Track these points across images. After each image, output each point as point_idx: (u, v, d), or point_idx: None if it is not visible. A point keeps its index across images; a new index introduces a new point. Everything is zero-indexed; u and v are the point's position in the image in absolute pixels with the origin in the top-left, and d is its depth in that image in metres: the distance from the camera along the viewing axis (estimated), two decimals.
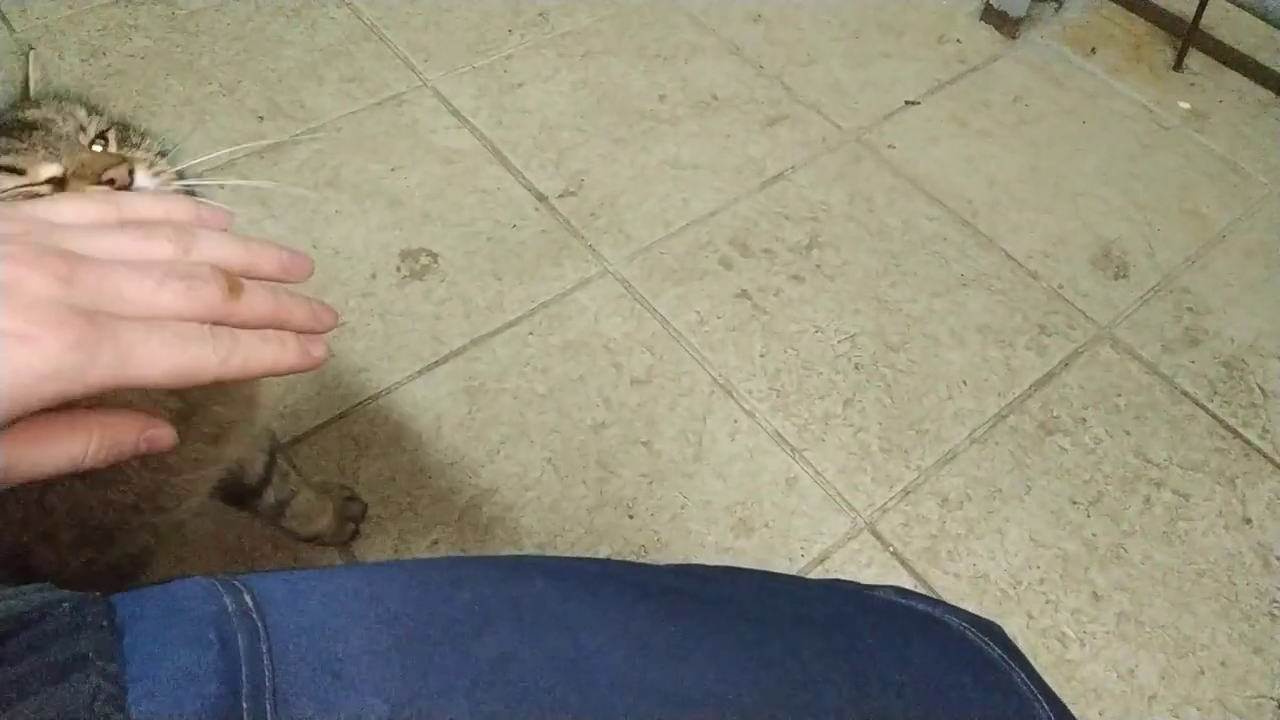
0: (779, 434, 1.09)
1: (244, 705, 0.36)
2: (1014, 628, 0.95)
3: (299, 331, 0.48)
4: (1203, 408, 1.16)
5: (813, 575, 0.98)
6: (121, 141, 0.55)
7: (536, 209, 1.29)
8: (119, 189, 0.49)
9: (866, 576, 0.99)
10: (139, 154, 0.53)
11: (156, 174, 0.51)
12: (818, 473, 1.07)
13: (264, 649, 0.38)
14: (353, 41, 1.49)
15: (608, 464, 1.05)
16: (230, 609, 0.39)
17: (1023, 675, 0.50)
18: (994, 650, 0.51)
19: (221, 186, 0.57)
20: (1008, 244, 1.32)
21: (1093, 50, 1.64)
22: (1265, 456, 1.12)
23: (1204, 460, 1.11)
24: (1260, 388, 1.19)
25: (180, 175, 0.55)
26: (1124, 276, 1.30)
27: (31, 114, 0.54)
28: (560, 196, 1.31)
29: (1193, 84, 1.59)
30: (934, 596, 0.75)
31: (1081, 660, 0.96)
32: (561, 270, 1.23)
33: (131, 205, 0.42)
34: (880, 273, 1.27)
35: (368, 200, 1.27)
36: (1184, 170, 1.45)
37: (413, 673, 0.39)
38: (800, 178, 1.38)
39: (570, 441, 1.07)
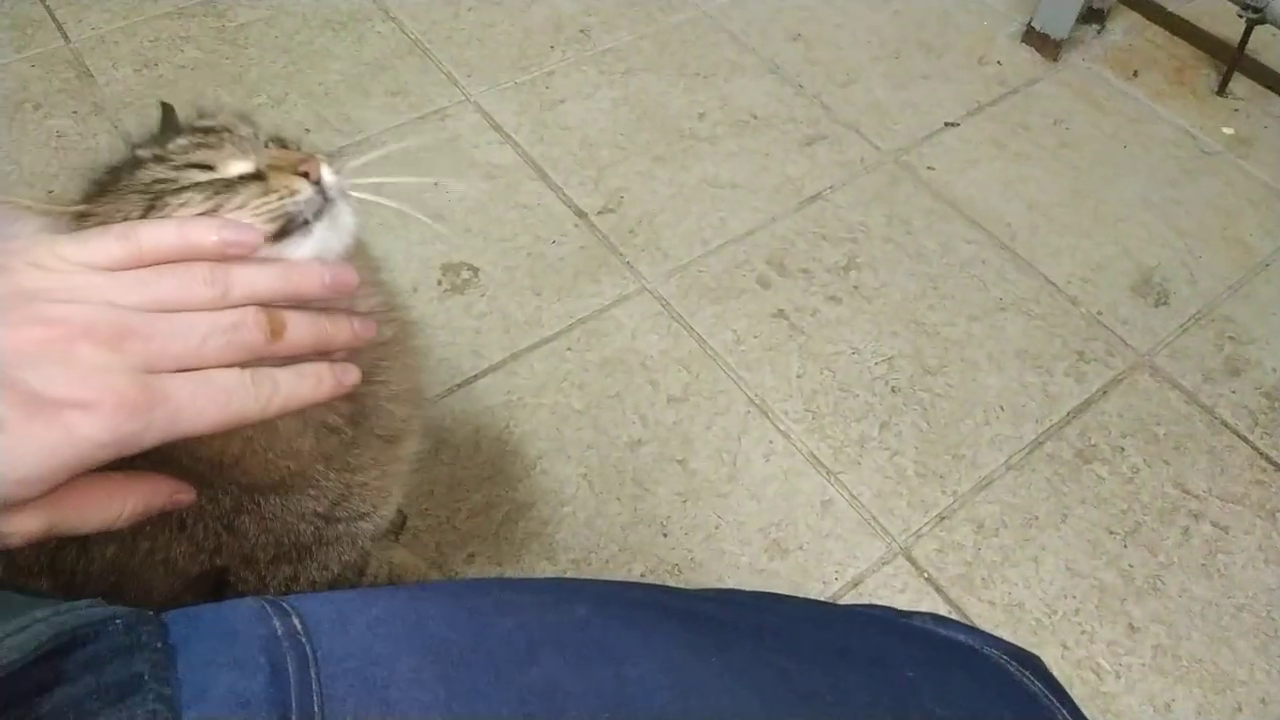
0: (814, 456, 1.09)
1: None
2: (1049, 658, 0.94)
3: (344, 349, 0.49)
4: (1243, 439, 1.15)
5: (846, 599, 0.98)
6: (283, 147, 0.56)
7: (576, 225, 1.30)
8: (312, 182, 0.50)
9: (900, 602, 0.98)
10: (320, 153, 0.54)
11: (336, 171, 0.53)
12: (853, 496, 1.07)
13: (313, 675, 0.38)
14: (398, 56, 1.51)
15: (643, 481, 1.06)
16: (279, 632, 0.40)
17: (1064, 711, 0.50)
18: (1034, 683, 0.51)
19: (379, 187, 0.58)
20: (1047, 268, 1.31)
21: (1135, 73, 1.62)
22: None
23: (1244, 493, 1.10)
24: None
25: None
26: (1165, 304, 1.29)
27: (209, 121, 0.56)
28: (599, 213, 1.32)
29: (1237, 109, 1.58)
30: (970, 624, 0.75)
31: (1117, 693, 0.95)
32: (600, 287, 1.23)
33: (151, 238, 0.43)
34: (918, 295, 1.26)
35: (410, 214, 1.28)
36: (1227, 196, 1.44)
37: (457, 702, 0.39)
38: (838, 198, 1.38)
39: (606, 458, 1.07)
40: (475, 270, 1.24)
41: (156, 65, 1.45)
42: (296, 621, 0.41)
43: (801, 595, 0.97)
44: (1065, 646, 0.98)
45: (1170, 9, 1.71)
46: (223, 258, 0.44)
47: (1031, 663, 0.53)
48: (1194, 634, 0.99)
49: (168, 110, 0.62)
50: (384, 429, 0.61)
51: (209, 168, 0.51)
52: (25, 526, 0.38)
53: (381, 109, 1.43)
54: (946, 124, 1.51)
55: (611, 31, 1.60)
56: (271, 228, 0.48)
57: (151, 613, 0.40)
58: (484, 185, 1.34)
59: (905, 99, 1.54)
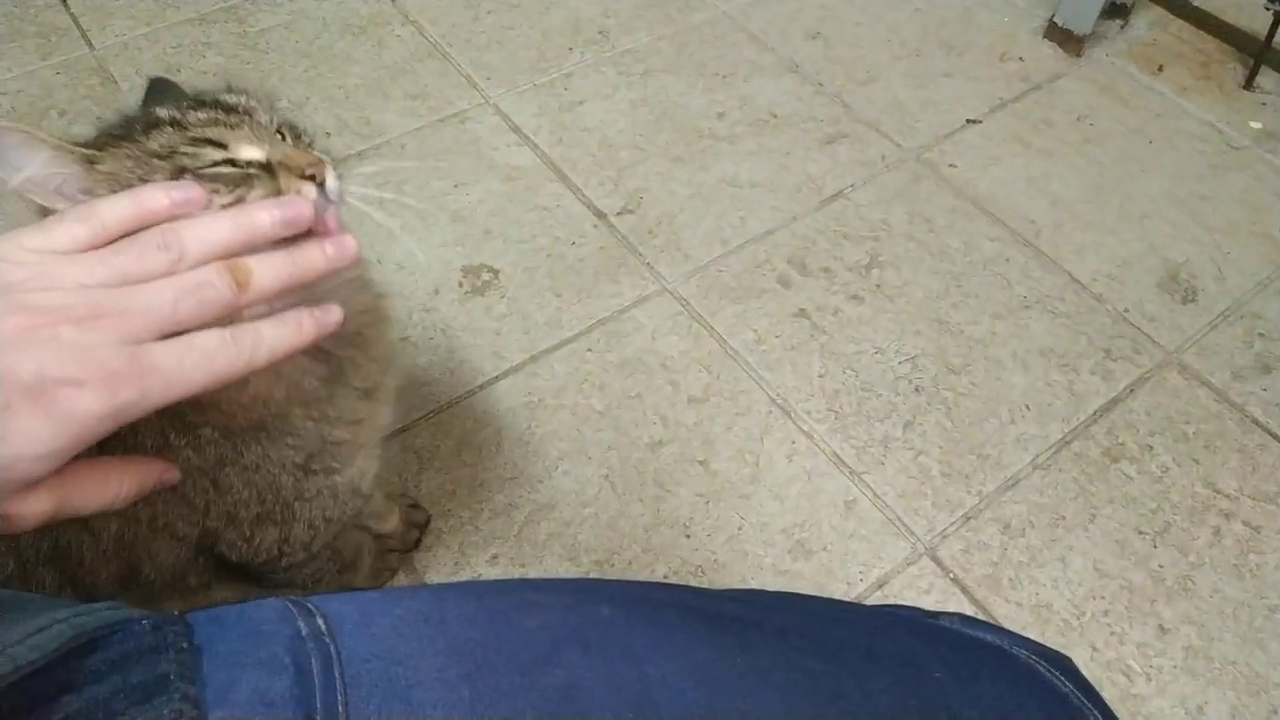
0: (838, 456, 1.09)
1: None
2: (1078, 659, 0.92)
3: (327, 275, 0.50)
4: (1274, 437, 1.13)
5: (871, 601, 0.97)
6: (295, 139, 0.58)
7: (595, 226, 1.30)
8: (317, 185, 0.53)
9: (926, 603, 0.97)
10: (324, 156, 0.56)
11: (339, 176, 0.54)
12: (877, 496, 1.06)
13: (336, 675, 0.38)
14: (417, 59, 1.52)
15: (664, 483, 1.05)
16: (304, 632, 0.40)
17: (1096, 713, 0.49)
18: (1065, 684, 0.51)
19: (382, 195, 0.59)
20: (1072, 266, 1.30)
21: (1160, 68, 1.61)
22: None
23: (1276, 492, 1.08)
24: None
25: None
26: (1192, 300, 1.27)
27: (233, 99, 0.58)
28: (619, 214, 1.32)
29: (1264, 103, 1.56)
30: (998, 625, 0.74)
31: (1148, 695, 0.93)
32: (619, 288, 1.23)
33: (113, 214, 0.45)
34: (941, 294, 1.25)
35: (431, 216, 1.29)
36: (1254, 191, 1.42)
37: (481, 702, 0.39)
38: (859, 196, 1.37)
39: (627, 459, 1.07)
40: (495, 272, 1.24)
41: (179, 71, 1.46)
42: (321, 621, 0.41)
43: (826, 596, 0.97)
44: (1094, 648, 0.96)
45: (1195, 2, 1.69)
46: (176, 218, 0.46)
47: (1062, 663, 0.52)
48: (1226, 635, 0.98)
49: (156, 83, 0.65)
50: (362, 381, 0.64)
51: (222, 145, 0.53)
52: (38, 507, 0.41)
53: (401, 112, 1.43)
54: (968, 121, 1.50)
55: (630, 32, 1.59)
56: None
57: (176, 613, 0.40)
58: (503, 187, 1.34)
59: (926, 96, 1.53)
